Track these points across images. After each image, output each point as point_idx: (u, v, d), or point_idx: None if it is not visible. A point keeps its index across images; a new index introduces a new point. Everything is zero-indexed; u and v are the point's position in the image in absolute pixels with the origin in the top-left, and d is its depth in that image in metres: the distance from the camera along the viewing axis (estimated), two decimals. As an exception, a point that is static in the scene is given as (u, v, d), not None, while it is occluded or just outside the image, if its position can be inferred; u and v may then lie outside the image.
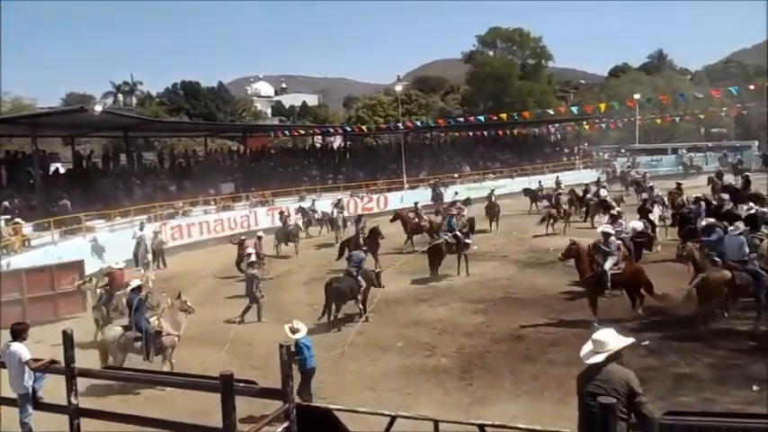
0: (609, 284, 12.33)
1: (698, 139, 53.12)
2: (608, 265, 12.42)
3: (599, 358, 4.49)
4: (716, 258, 11.85)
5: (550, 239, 22.51)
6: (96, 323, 13.09)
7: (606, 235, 12.94)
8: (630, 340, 4.76)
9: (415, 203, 24.90)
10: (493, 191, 27.02)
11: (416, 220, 22.61)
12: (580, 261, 12.66)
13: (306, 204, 28.34)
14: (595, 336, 4.65)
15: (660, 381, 9.05)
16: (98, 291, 13.79)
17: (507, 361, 10.69)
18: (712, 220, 14.39)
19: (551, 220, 23.54)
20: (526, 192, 31.07)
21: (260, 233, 19.85)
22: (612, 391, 4.24)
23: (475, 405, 8.95)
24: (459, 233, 17.82)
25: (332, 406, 5.94)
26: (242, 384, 5.32)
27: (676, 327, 11.62)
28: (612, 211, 17.87)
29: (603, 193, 25.81)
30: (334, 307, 13.58)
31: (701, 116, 45.35)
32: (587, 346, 4.65)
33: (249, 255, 15.81)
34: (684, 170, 41.69)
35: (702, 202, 18.10)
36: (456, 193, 29.44)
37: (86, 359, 8.83)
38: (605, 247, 12.68)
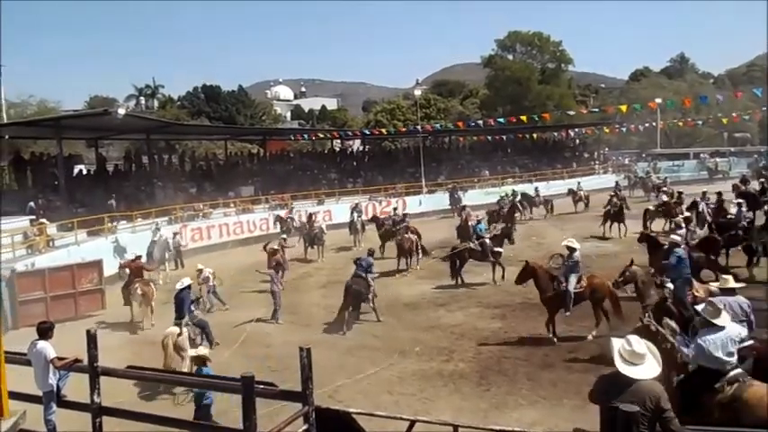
0: (571, 304, 11.82)
1: (720, 144, 52.35)
2: (572, 284, 11.85)
3: (641, 374, 4.28)
4: (668, 284, 10.00)
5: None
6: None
7: (571, 250, 12.11)
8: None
9: (404, 214, 24.21)
10: (503, 197, 26.59)
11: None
12: (539, 280, 12.17)
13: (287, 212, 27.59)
14: (631, 346, 4.43)
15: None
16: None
17: (525, 367, 10.63)
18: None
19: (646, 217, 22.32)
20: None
21: (283, 236, 20.16)
22: (640, 403, 4.14)
23: (493, 411, 8.91)
24: (487, 240, 17.46)
25: (351, 409, 5.96)
26: (262, 386, 5.36)
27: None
28: (680, 217, 17.38)
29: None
30: (351, 308, 13.70)
31: (724, 120, 44.67)
32: (619, 353, 4.45)
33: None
34: (710, 175, 41.00)
35: (743, 208, 17.52)
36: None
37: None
38: (570, 262, 12.02)
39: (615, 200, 25.00)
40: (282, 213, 26.97)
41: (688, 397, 5.74)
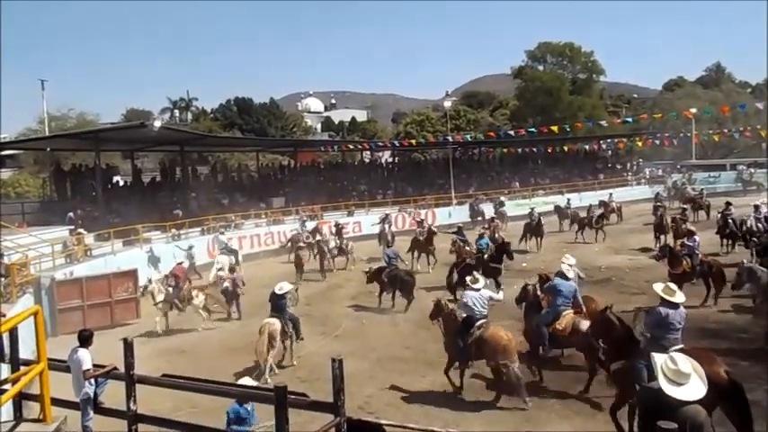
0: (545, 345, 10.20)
1: (759, 155, 50.89)
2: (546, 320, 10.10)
3: (686, 395, 4.09)
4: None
5: (602, 256, 22.06)
6: (165, 315, 15.50)
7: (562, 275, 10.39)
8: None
9: (458, 227, 23.34)
10: (533, 209, 26.18)
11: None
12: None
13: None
14: (676, 365, 4.23)
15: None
16: (168, 288, 15.70)
17: (556, 380, 10.46)
18: None
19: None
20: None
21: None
22: (681, 424, 4.01)
23: (524, 425, 8.81)
24: (484, 256, 17.14)
25: (383, 421, 5.96)
26: (293, 396, 5.42)
27: (738, 353, 11.14)
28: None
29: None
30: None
31: (762, 132, 43.56)
32: (662, 371, 4.25)
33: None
34: (744, 186, 39.97)
35: None
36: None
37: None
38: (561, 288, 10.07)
39: (661, 211, 24.51)
40: (297, 230, 26.49)
41: (459, 337, 9.71)
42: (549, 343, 10.12)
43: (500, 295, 11.97)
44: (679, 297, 7.69)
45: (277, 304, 12.38)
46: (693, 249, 14.60)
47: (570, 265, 10.87)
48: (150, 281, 16.34)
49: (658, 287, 7.85)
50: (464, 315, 9.94)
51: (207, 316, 15.71)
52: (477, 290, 10.01)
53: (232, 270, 17.59)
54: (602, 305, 9.09)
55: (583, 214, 27.11)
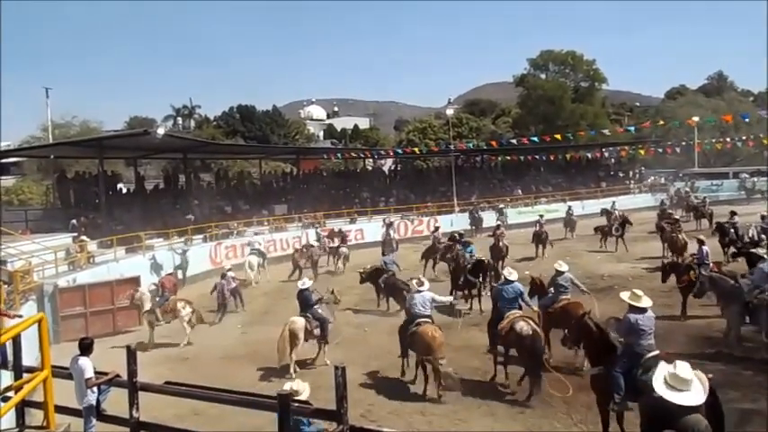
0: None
1: (761, 163, 50.84)
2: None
3: (686, 400, 4.12)
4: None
5: (604, 265, 22.02)
6: (150, 325, 15.00)
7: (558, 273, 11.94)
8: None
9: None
10: (542, 216, 26.22)
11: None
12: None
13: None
14: (676, 371, 4.27)
15: (726, 416, 8.65)
16: (156, 298, 15.32)
17: (560, 389, 10.42)
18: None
19: None
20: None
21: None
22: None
23: (527, 435, 8.77)
24: (468, 265, 16.81)
25: (385, 429, 5.96)
26: (297, 404, 5.42)
27: (740, 360, 11.10)
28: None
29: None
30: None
31: (765, 140, 43.51)
32: (664, 378, 4.29)
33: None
34: (747, 195, 39.93)
35: None
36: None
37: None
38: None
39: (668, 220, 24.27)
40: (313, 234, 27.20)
41: (402, 332, 11.01)
42: (492, 341, 11.13)
43: (445, 298, 13.07)
44: (645, 302, 7.78)
45: (302, 300, 12.50)
46: (702, 260, 14.51)
47: (562, 272, 11.84)
48: (138, 290, 16.09)
49: (625, 295, 7.98)
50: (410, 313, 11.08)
51: (190, 330, 14.96)
52: (421, 292, 11.00)
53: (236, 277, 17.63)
54: (609, 313, 9.10)
55: (584, 222, 27.09)
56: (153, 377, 10.10)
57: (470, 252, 17.81)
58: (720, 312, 12.67)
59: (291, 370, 11.76)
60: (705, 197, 33.90)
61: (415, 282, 11.72)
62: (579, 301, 11.46)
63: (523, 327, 10.08)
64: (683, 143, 46.81)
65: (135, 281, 17.45)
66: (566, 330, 10.37)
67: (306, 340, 12.23)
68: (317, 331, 12.36)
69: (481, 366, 11.85)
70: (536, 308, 11.31)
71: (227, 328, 16.40)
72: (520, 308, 10.73)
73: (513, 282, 10.90)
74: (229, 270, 18.28)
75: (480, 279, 16.73)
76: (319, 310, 12.61)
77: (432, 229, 26.33)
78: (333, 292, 13.93)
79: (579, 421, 9.14)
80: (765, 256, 12.93)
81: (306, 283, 12.84)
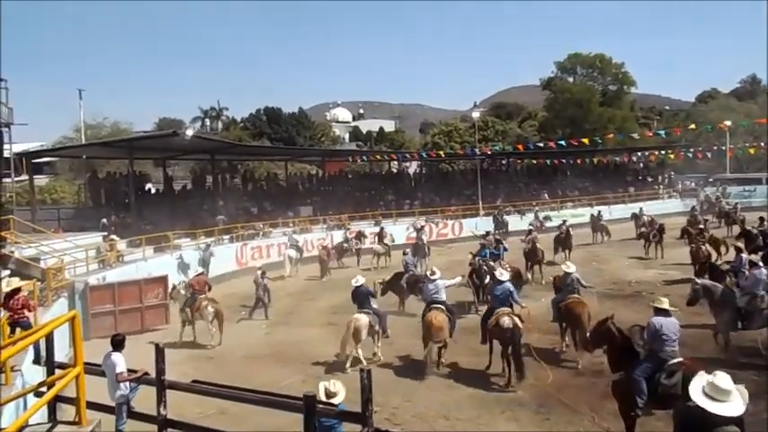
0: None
1: (796, 169, 49.61)
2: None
3: (726, 411, 4.01)
4: None
5: (632, 271, 21.71)
6: (182, 323, 15.26)
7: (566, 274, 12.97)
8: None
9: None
10: (565, 221, 25.78)
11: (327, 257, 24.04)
12: None
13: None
14: (716, 381, 4.14)
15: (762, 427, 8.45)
16: (187, 296, 15.45)
17: (586, 396, 10.29)
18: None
19: None
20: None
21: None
22: None
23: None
24: (484, 267, 16.70)
25: (409, 433, 5.95)
26: (322, 405, 5.44)
27: (756, 367, 10.81)
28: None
29: None
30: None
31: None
32: (702, 387, 4.16)
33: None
34: (776, 201, 38.91)
35: None
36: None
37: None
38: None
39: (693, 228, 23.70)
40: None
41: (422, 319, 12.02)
42: (484, 335, 11.82)
43: (455, 281, 13.96)
44: (668, 305, 7.96)
45: (359, 297, 12.80)
46: (739, 268, 14.15)
47: (569, 273, 12.82)
48: (175, 285, 16.49)
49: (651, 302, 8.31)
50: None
51: (215, 330, 14.86)
52: (434, 281, 12.38)
53: (263, 276, 17.68)
54: (633, 321, 8.99)
55: (611, 228, 26.69)
56: (178, 375, 10.25)
57: (485, 255, 17.77)
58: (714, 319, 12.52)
59: (348, 365, 11.94)
60: (737, 203, 33.15)
61: (428, 272, 13.10)
62: (582, 300, 12.45)
63: (505, 321, 10.97)
64: (715, 148, 45.84)
65: (162, 280, 17.69)
66: (563, 324, 12.66)
67: (369, 336, 12.53)
68: (377, 327, 12.68)
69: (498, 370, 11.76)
70: (524, 306, 12.07)
71: (252, 327, 16.53)
72: (511, 306, 11.44)
73: (503, 282, 11.66)
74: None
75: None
76: (374, 305, 12.95)
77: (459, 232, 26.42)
78: (376, 285, 14.53)
79: (606, 429, 9.00)
80: (759, 262, 12.67)
81: (359, 280, 13.10)
